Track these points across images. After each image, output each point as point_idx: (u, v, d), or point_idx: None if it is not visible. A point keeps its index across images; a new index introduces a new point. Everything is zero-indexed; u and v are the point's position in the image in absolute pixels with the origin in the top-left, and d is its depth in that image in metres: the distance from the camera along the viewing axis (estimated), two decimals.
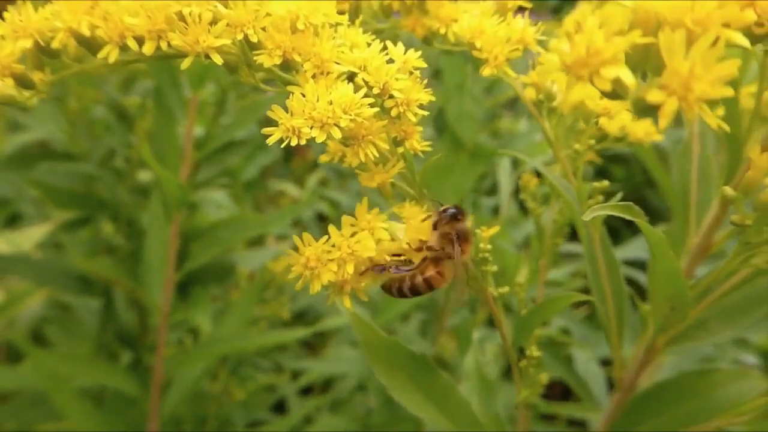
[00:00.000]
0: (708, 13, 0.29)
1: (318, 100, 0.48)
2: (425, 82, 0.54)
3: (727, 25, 0.29)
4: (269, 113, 0.49)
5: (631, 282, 1.74)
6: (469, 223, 0.57)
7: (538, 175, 1.03)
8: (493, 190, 1.94)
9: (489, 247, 0.61)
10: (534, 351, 0.67)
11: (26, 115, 1.49)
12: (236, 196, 1.79)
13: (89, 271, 1.27)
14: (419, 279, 0.56)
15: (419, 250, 0.56)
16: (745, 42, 0.30)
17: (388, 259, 0.55)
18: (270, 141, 0.49)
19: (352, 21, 0.57)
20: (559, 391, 1.75)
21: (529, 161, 0.70)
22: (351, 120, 0.48)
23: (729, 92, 0.28)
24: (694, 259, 0.64)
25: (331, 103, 0.48)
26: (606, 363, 1.39)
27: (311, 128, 0.48)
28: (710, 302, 0.64)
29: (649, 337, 0.64)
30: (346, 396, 1.64)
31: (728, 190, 0.48)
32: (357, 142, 0.52)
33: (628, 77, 0.29)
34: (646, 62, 0.32)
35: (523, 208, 1.41)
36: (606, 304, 0.66)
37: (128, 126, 1.36)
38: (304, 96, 0.49)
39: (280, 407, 1.67)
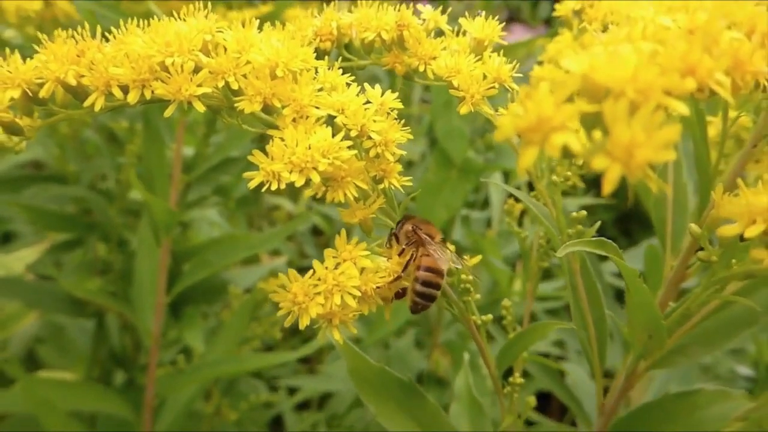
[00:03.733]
0: (650, 82, 0.31)
1: (297, 145, 0.50)
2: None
3: (668, 93, 0.31)
4: (249, 158, 0.50)
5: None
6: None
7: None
8: (486, 202, 1.95)
9: (471, 278, 0.63)
10: (518, 378, 0.68)
11: None
12: (229, 213, 1.79)
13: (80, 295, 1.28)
14: (422, 273, 0.56)
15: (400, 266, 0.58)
16: (684, 110, 0.31)
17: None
18: (251, 185, 0.50)
19: (335, 59, 0.59)
20: (558, 406, 1.75)
21: (510, 189, 0.71)
22: (329, 163, 0.50)
23: (671, 156, 0.30)
24: (671, 286, 0.65)
25: (309, 147, 0.50)
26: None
27: (290, 172, 0.49)
28: (688, 328, 0.65)
29: (630, 364, 0.65)
30: (344, 411, 1.65)
31: (695, 228, 0.50)
32: (336, 183, 0.53)
33: (575, 144, 0.31)
34: (597, 124, 0.34)
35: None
36: (587, 330, 0.67)
37: (118, 148, 1.37)
38: (283, 141, 0.50)
39: (276, 423, 1.67)
